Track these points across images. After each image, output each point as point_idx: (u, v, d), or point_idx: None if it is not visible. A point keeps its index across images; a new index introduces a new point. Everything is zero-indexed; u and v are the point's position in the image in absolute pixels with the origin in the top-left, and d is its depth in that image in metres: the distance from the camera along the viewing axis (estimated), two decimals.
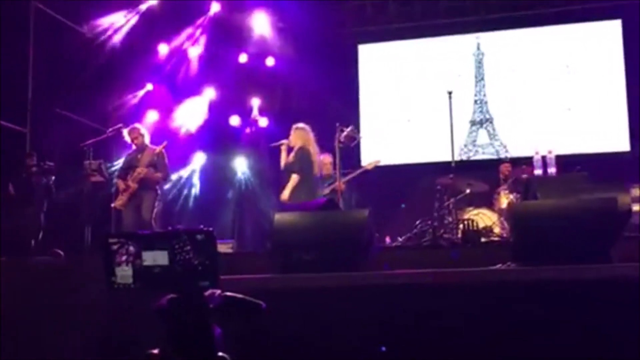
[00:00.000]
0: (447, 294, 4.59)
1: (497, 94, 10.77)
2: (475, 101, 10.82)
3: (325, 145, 8.35)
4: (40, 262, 6.09)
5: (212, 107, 10.74)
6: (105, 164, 8.44)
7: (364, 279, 5.07)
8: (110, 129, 8.34)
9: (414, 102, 10.98)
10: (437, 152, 10.03)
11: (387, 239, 8.51)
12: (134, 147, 8.21)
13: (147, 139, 8.25)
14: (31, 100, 9.64)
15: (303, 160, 7.68)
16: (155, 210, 7.97)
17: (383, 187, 9.73)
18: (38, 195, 8.32)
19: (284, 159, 7.86)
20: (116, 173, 8.45)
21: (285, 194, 7.66)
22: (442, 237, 7.38)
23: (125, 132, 8.19)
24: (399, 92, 11.12)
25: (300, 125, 7.86)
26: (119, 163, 8.77)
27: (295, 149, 7.78)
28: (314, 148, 7.79)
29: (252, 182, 10.79)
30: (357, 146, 9.62)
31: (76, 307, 4.25)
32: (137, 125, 8.45)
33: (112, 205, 8.04)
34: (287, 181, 7.66)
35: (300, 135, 7.83)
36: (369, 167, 8.97)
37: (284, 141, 7.88)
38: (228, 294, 2.82)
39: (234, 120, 10.91)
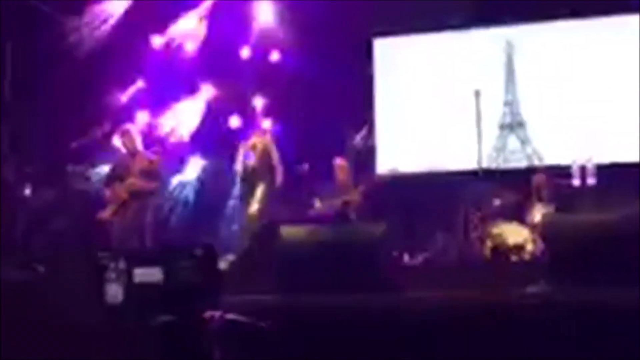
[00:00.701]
0: (473, 319, 4.57)
1: (530, 95, 10.74)
2: (505, 102, 10.80)
3: (336, 150, 8.37)
4: (16, 278, 6.10)
5: (210, 107, 10.75)
6: (92, 169, 8.47)
7: (380, 302, 5.05)
8: (97, 130, 8.36)
9: (437, 103, 10.96)
10: (462, 159, 10.00)
11: (406, 257, 8.49)
12: (123, 151, 8.23)
13: (139, 143, 8.27)
14: (8, 97, 9.68)
15: (266, 167, 7.80)
16: (147, 222, 7.99)
17: (401, 198, 9.72)
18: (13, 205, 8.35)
19: (241, 163, 7.92)
20: (104, 180, 8.47)
21: (255, 207, 7.75)
22: (467, 255, 7.37)
23: (116, 136, 8.22)
24: (419, 92, 11.10)
25: (261, 129, 7.98)
26: (105, 169, 8.80)
27: (258, 153, 7.87)
28: (275, 154, 7.88)
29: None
30: (372, 151, 9.62)
31: (58, 329, 4.25)
32: (128, 126, 8.48)
33: (99, 216, 8.05)
34: (248, 190, 7.74)
35: (261, 139, 7.98)
36: (385, 177, 8.97)
37: (243, 144, 7.98)
38: (230, 316, 2.82)
39: (234, 122, 10.92)
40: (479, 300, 4.79)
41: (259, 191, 7.84)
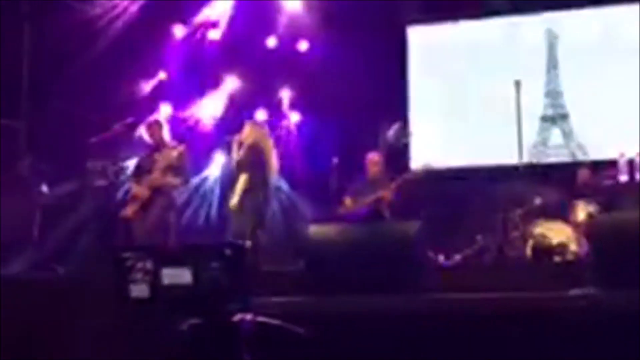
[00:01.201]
0: (513, 324, 4.58)
1: (574, 85, 10.68)
2: (547, 93, 10.75)
3: (368, 144, 8.39)
4: (34, 280, 6.19)
5: (235, 100, 10.81)
6: (113, 165, 8.55)
7: (415, 304, 5.07)
8: (118, 125, 8.44)
9: (474, 95, 10.94)
10: (502, 153, 9.97)
11: (441, 257, 8.50)
12: (149, 142, 8.28)
13: (166, 135, 8.33)
14: (26, 91, 9.81)
15: (254, 160, 7.77)
16: (172, 220, 8.06)
17: (437, 195, 9.71)
18: (29, 203, 8.45)
19: (235, 156, 7.98)
20: (128, 176, 8.55)
21: (234, 201, 7.81)
22: (507, 255, 7.36)
23: (142, 128, 8.29)
24: (456, 83, 11.08)
25: (255, 120, 8.00)
26: (127, 165, 8.89)
27: (246, 145, 7.92)
28: (268, 147, 7.91)
29: (283, 189, 10.82)
30: (407, 146, 9.62)
31: (80, 332, 4.31)
32: (155, 117, 8.54)
33: (122, 214, 8.12)
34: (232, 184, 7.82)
35: (254, 131, 8.00)
36: (419, 173, 8.98)
37: (236, 136, 8.04)
38: (262, 319, 2.85)
39: (260, 116, 10.97)
40: (520, 304, 4.79)
41: (240, 183, 7.92)
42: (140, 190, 8.01)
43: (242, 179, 7.96)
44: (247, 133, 8.21)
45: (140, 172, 8.18)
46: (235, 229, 8.00)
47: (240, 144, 8.13)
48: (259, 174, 8.07)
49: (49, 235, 9.17)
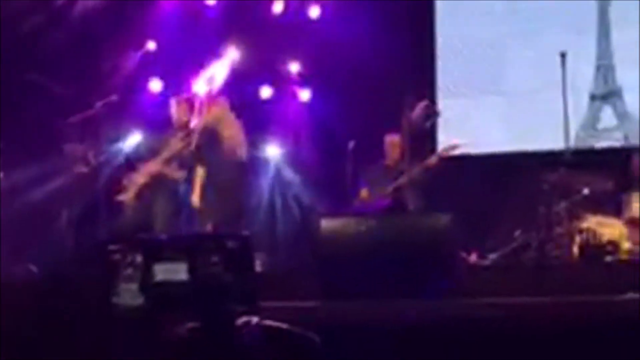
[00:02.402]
0: (558, 332, 4.59)
1: (629, 58, 10.64)
2: (598, 67, 10.71)
3: (390, 125, 8.37)
4: (5, 282, 6.21)
5: (236, 75, 10.79)
6: (95, 149, 8.60)
7: (446, 310, 5.10)
8: (100, 102, 8.47)
9: (511, 69, 10.91)
10: (544, 137, 9.96)
11: (474, 256, 8.50)
12: (176, 119, 8.31)
13: (194, 120, 8.40)
14: None
15: (210, 148, 7.93)
16: (168, 211, 8.14)
17: (468, 185, 9.71)
18: None
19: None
20: (128, 155, 8.65)
21: (195, 199, 7.86)
22: (550, 254, 7.36)
23: (173, 100, 8.35)
24: (490, 56, 11.06)
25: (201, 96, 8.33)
26: (112, 149, 8.95)
27: (198, 132, 7.97)
28: (225, 126, 8.03)
29: (290, 177, 10.83)
30: (433, 127, 9.61)
31: (59, 342, 4.32)
32: (192, 95, 8.62)
33: (118, 198, 8.26)
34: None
35: (206, 111, 8.21)
36: (445, 154, 8.99)
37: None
38: (269, 323, 2.85)
39: (265, 92, 10.97)
40: (566, 310, 4.81)
41: (197, 178, 7.99)
42: (132, 177, 8.15)
43: (199, 174, 8.02)
44: (198, 114, 8.26)
45: (145, 152, 8.30)
46: (202, 228, 8.03)
47: (188, 132, 8.19)
48: (218, 163, 8.10)
49: (15, 229, 9.23)
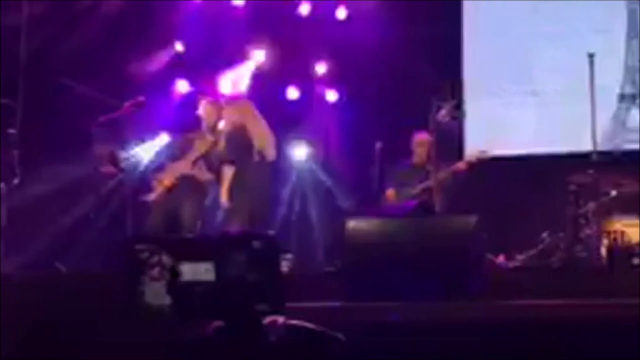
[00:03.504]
0: (586, 336, 4.57)
1: None
2: (627, 68, 10.66)
3: (418, 126, 8.36)
4: (34, 279, 6.26)
5: (262, 76, 10.82)
6: (123, 150, 8.65)
7: (471, 312, 5.08)
8: (128, 103, 8.51)
9: (539, 70, 10.88)
10: (571, 138, 9.92)
11: (501, 258, 8.48)
12: (203, 120, 8.38)
13: (221, 123, 8.45)
14: (24, 66, 9.90)
15: (239, 147, 8.01)
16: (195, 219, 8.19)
17: (495, 186, 9.68)
18: None
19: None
20: (158, 156, 8.75)
21: (224, 198, 7.87)
22: (578, 256, 7.32)
23: (202, 101, 8.41)
24: (517, 56, 11.02)
25: (227, 97, 8.46)
26: (138, 150, 9.00)
27: (226, 132, 7.99)
28: (254, 124, 8.11)
29: (317, 177, 10.84)
30: (461, 128, 9.59)
31: (88, 339, 4.35)
32: (222, 96, 8.72)
33: (144, 198, 8.34)
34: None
35: (230, 111, 8.27)
36: (472, 160, 8.97)
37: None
38: (294, 322, 2.86)
39: (292, 94, 10.99)
40: (594, 312, 4.79)
41: (225, 178, 8.01)
42: (162, 179, 8.20)
43: (228, 172, 8.04)
44: (224, 116, 8.31)
45: (172, 152, 8.35)
46: (229, 228, 8.06)
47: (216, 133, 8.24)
48: (248, 163, 8.14)
49: (46, 229, 9.30)
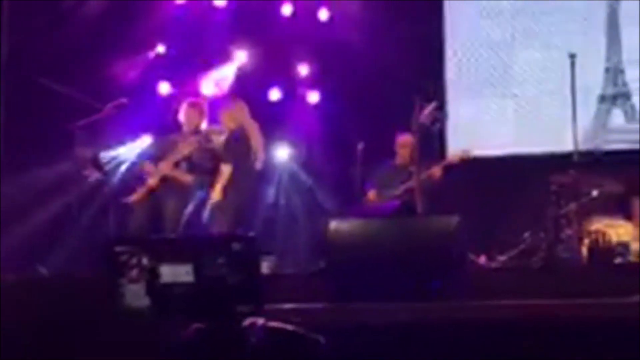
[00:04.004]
0: (567, 336, 4.58)
1: (639, 59, 10.61)
2: (607, 69, 10.68)
3: (400, 127, 8.36)
4: (13, 282, 6.22)
5: (245, 77, 10.82)
6: (104, 152, 8.64)
7: (453, 312, 5.09)
8: (110, 105, 8.49)
9: (520, 71, 10.90)
10: (552, 139, 9.94)
11: (483, 258, 8.49)
12: (184, 123, 8.43)
13: (204, 124, 8.52)
14: (3, 66, 9.86)
15: (240, 148, 8.13)
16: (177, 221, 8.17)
17: (477, 187, 9.70)
18: None
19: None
20: (139, 156, 8.79)
21: (216, 195, 7.91)
22: (559, 256, 7.34)
23: (183, 105, 8.40)
24: (499, 57, 11.04)
25: (229, 99, 8.53)
26: (119, 152, 8.98)
27: (229, 131, 8.05)
28: (252, 129, 8.25)
29: (299, 178, 10.83)
30: (442, 129, 9.60)
31: (67, 341, 4.32)
32: (202, 99, 8.72)
33: (125, 200, 8.31)
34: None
35: (234, 112, 8.32)
36: (455, 160, 8.99)
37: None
38: (274, 324, 2.86)
39: (274, 95, 10.98)
40: (575, 312, 4.80)
41: (223, 175, 8.11)
42: (147, 178, 8.19)
43: (226, 171, 8.07)
44: (228, 116, 8.33)
45: (154, 154, 8.33)
46: (215, 228, 8.07)
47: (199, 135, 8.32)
48: (245, 165, 8.19)
49: (27, 231, 9.26)
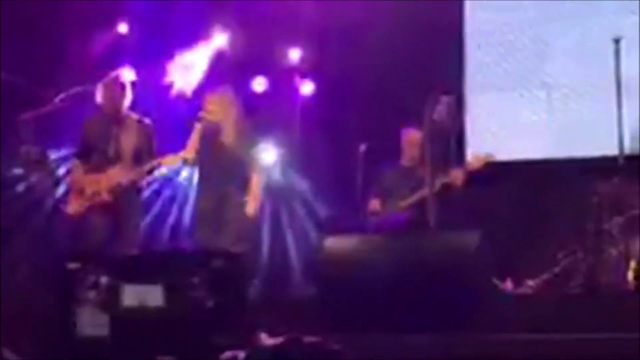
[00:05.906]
0: None
1: None
2: None
3: (409, 125, 8.38)
4: None
5: (224, 63, 10.81)
6: (54, 151, 8.62)
7: (475, 348, 5.09)
8: (60, 96, 8.47)
9: (554, 60, 10.90)
10: (593, 140, 9.95)
11: (509, 283, 8.50)
12: (104, 108, 8.41)
13: (126, 102, 8.44)
14: None
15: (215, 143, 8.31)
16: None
17: (503, 197, 9.70)
18: None
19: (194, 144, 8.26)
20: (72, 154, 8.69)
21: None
22: (601, 281, 7.34)
23: (99, 87, 8.40)
24: (527, 43, 11.06)
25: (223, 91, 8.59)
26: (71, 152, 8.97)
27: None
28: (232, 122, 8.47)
29: (289, 184, 10.82)
30: (460, 128, 9.61)
31: None
32: (118, 76, 8.64)
33: (66, 210, 8.18)
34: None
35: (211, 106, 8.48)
36: (479, 165, 8.99)
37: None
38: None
39: (259, 84, 10.98)
40: (620, 348, 4.81)
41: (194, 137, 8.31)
42: (97, 192, 8.05)
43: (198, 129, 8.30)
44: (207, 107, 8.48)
45: (94, 148, 8.26)
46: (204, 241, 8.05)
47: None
48: (222, 164, 8.30)
49: None
